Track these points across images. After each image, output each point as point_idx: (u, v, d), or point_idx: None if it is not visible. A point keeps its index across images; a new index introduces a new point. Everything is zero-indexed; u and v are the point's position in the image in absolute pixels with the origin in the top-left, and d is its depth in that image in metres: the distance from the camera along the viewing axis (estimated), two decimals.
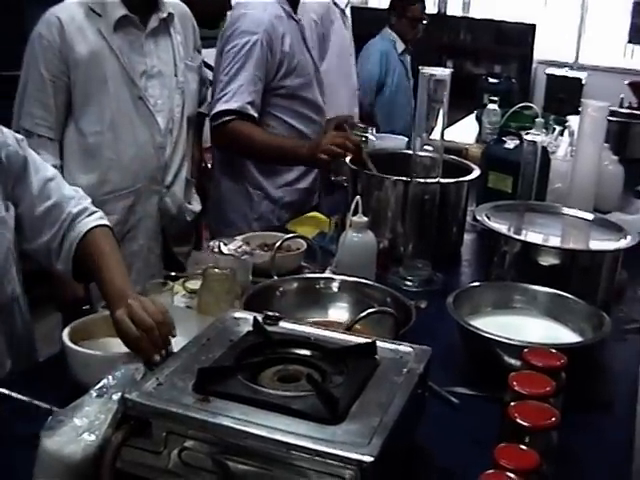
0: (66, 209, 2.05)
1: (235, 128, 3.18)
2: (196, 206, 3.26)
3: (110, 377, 1.48)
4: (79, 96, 2.79)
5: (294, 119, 3.39)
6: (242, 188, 3.41)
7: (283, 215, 3.38)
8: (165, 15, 2.90)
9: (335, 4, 4.26)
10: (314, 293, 2.17)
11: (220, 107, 3.16)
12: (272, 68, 3.23)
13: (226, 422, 1.29)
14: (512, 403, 1.45)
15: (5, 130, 1.99)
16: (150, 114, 2.89)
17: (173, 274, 2.41)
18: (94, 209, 2.12)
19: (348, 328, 1.85)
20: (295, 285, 2.19)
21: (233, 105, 3.15)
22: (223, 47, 3.22)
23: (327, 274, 2.31)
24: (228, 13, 3.39)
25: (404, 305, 2.04)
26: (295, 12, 3.39)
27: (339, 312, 2.13)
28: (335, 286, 2.18)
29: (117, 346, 1.81)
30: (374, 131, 3.69)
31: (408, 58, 6.35)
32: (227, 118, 3.16)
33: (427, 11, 6.50)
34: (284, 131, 3.36)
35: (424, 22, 6.34)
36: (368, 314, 1.90)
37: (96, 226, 2.06)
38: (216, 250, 2.39)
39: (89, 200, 2.15)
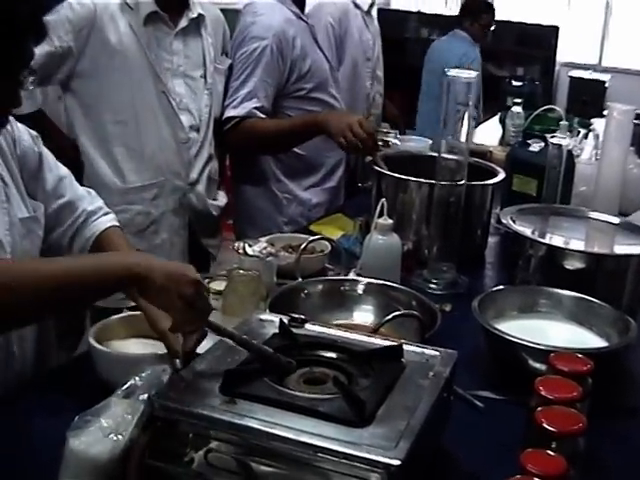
0: (80, 206, 2.08)
1: (245, 126, 3.20)
2: (221, 200, 3.29)
3: (137, 378, 1.48)
4: (100, 83, 2.83)
5: None
6: (268, 192, 3.41)
7: (312, 217, 3.38)
8: (195, 15, 2.95)
9: (356, 5, 4.18)
10: (339, 295, 2.17)
11: (229, 113, 3.19)
12: (284, 73, 3.25)
13: (252, 424, 1.29)
14: (539, 408, 1.44)
15: (20, 126, 2.00)
16: (173, 111, 2.93)
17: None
18: (108, 210, 2.15)
19: (374, 331, 1.85)
20: (320, 287, 2.19)
21: (241, 112, 3.17)
22: (235, 53, 3.24)
23: (352, 276, 2.31)
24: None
25: (429, 308, 2.04)
26: (303, 12, 3.41)
27: (364, 315, 2.13)
28: (360, 288, 2.18)
29: (142, 347, 1.82)
30: (397, 134, 3.69)
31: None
32: (235, 121, 3.19)
33: (449, 12, 6.99)
34: None
35: (492, 29, 6.91)
36: (394, 317, 1.90)
37: (111, 226, 2.09)
38: (241, 251, 2.39)
39: (102, 201, 2.18)
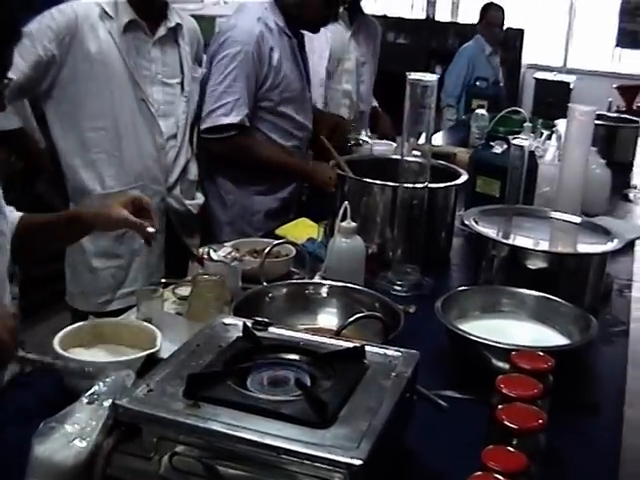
0: None
1: (241, 142, 3.29)
2: (200, 199, 3.33)
3: (101, 384, 1.49)
4: (78, 90, 2.85)
5: (274, 132, 3.44)
6: (216, 191, 3.48)
7: (254, 222, 3.44)
8: (173, 25, 3.00)
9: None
10: (303, 299, 2.18)
11: (222, 121, 3.23)
12: (259, 79, 3.29)
13: (216, 427, 1.30)
14: (500, 405, 1.46)
15: None
16: (152, 117, 2.97)
17: (163, 281, 2.43)
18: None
19: (337, 333, 1.86)
20: (284, 291, 2.20)
21: (235, 119, 3.23)
22: (214, 55, 3.25)
23: (316, 280, 2.32)
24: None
25: (393, 310, 2.05)
26: (292, 28, 3.40)
27: (328, 317, 2.14)
28: (324, 291, 2.19)
29: (107, 354, 1.83)
30: (368, 132, 3.72)
31: (497, 59, 7.35)
32: (232, 133, 3.25)
33: (414, 17, 7.14)
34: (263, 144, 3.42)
35: (503, 27, 7.41)
36: (357, 319, 1.91)
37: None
38: (205, 257, 2.40)
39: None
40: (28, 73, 2.69)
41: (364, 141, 3.72)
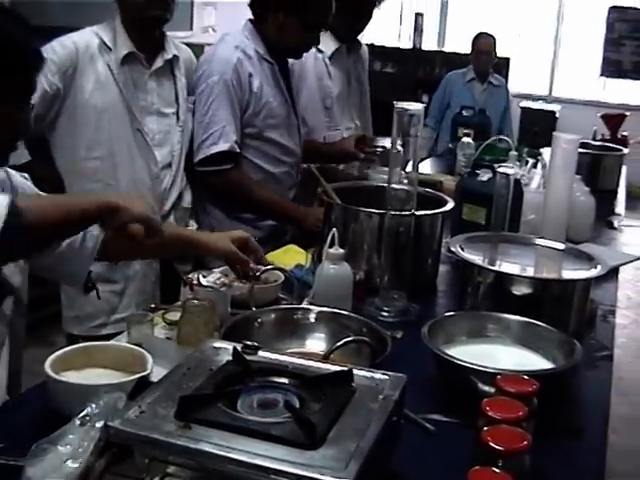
0: None
1: (235, 179, 3.31)
2: (193, 226, 3.38)
3: (93, 405, 1.51)
4: (76, 121, 2.92)
5: (261, 159, 3.44)
6: (207, 219, 3.49)
7: None
8: (170, 57, 3.04)
9: (318, 49, 3.93)
10: (292, 324, 2.20)
11: (212, 150, 3.23)
12: (242, 106, 3.30)
13: (207, 448, 1.32)
14: (485, 428, 1.48)
15: (11, 171, 2.06)
16: (147, 146, 3.02)
17: (153, 306, 2.45)
18: None
19: (325, 357, 1.89)
20: (273, 316, 2.21)
21: (224, 146, 3.23)
22: (195, 87, 3.28)
23: (304, 305, 2.34)
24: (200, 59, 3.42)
25: (380, 335, 2.07)
26: (273, 55, 3.41)
27: (316, 342, 2.16)
28: (312, 317, 2.21)
29: (98, 377, 1.85)
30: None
31: (477, 85, 7.56)
32: (227, 166, 3.26)
33: (401, 46, 7.18)
34: (251, 171, 3.42)
35: (494, 55, 7.59)
36: (345, 343, 1.93)
37: None
38: (195, 282, 2.42)
39: None
40: (35, 107, 2.73)
41: (382, 147, 3.78)
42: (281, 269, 2.60)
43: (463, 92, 7.51)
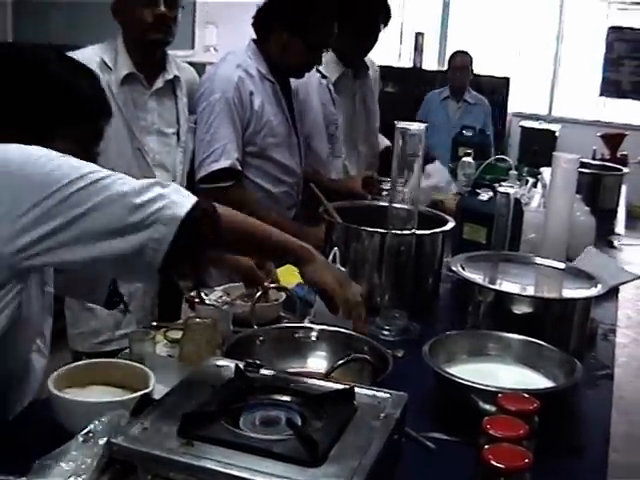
0: None
1: (236, 196, 3.21)
2: None
3: (96, 422, 1.52)
4: None
5: (262, 178, 3.45)
6: None
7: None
8: (171, 77, 3.05)
9: (322, 75, 3.95)
10: (293, 342, 2.20)
11: (213, 167, 3.22)
12: (243, 123, 3.30)
13: (210, 465, 1.32)
14: (486, 446, 1.49)
15: None
16: (147, 166, 3.04)
17: (154, 324, 2.46)
18: None
19: (326, 375, 1.89)
20: (275, 334, 2.22)
21: (226, 163, 3.22)
22: (196, 105, 3.28)
23: (306, 324, 2.35)
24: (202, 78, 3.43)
25: (381, 353, 2.07)
26: (276, 74, 3.41)
27: (318, 361, 2.16)
28: (314, 335, 2.22)
29: (101, 393, 1.85)
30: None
31: (452, 103, 7.67)
32: (228, 184, 3.24)
33: (402, 65, 7.20)
34: (252, 190, 3.42)
35: (469, 71, 7.70)
36: (346, 361, 1.94)
37: None
38: (197, 300, 2.43)
39: None
40: None
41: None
42: (283, 288, 2.60)
43: (438, 110, 7.65)
